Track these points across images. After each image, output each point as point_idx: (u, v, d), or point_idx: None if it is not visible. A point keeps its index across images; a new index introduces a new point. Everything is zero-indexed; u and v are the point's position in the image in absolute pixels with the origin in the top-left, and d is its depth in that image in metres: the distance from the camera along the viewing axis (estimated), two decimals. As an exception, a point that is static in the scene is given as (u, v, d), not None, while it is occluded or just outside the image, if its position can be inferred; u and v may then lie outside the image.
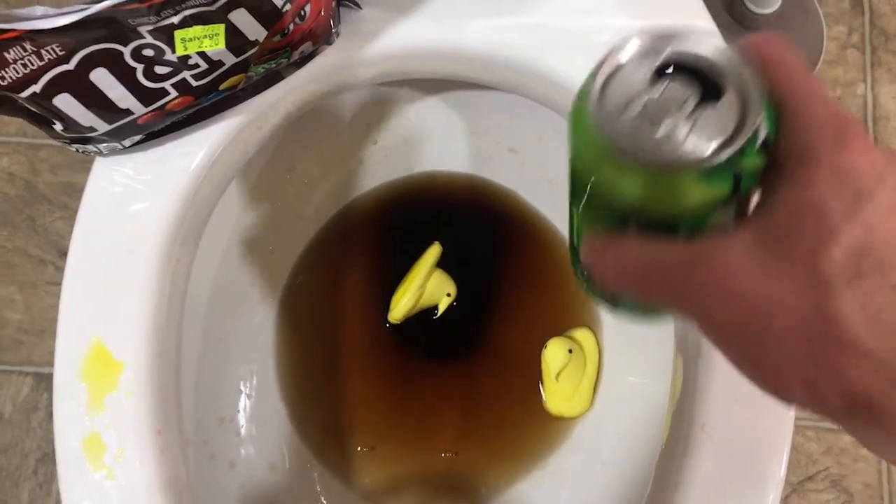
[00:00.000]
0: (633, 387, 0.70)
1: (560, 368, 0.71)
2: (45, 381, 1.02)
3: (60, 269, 1.02)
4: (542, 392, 0.74)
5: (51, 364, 1.00)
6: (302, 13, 0.50)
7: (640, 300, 0.30)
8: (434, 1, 0.58)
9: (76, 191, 1.06)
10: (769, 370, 0.25)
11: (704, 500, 0.50)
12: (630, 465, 0.58)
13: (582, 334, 0.74)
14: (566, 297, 0.76)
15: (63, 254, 1.03)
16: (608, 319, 0.75)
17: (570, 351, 0.71)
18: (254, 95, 0.55)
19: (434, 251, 0.73)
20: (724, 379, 0.51)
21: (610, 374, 0.73)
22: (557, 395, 0.72)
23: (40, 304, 1.04)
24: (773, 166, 0.26)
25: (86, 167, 1.08)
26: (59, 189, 1.07)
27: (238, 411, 0.69)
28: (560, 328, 0.75)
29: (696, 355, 0.52)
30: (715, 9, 1.02)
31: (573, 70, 0.56)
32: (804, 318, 0.24)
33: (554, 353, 0.72)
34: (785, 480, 0.97)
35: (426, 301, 0.74)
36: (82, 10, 0.43)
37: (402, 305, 0.72)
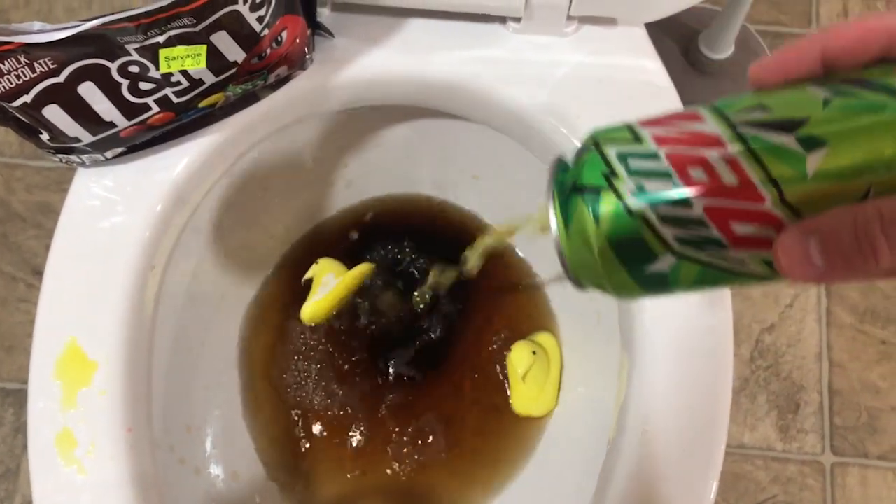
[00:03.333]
0: (588, 385, 0.73)
1: (526, 369, 0.74)
2: (10, 397, 1.02)
3: (32, 287, 1.04)
4: (509, 395, 0.76)
5: (17, 380, 1.01)
6: (279, 38, 0.54)
7: None
8: (403, 33, 0.62)
9: (51, 210, 1.08)
10: None
11: (644, 502, 0.53)
12: (590, 462, 0.61)
13: (544, 337, 0.77)
14: (526, 305, 0.79)
15: (35, 272, 1.05)
16: (565, 322, 0.78)
17: (534, 353, 0.75)
18: (231, 114, 0.59)
19: (363, 269, 0.74)
20: (665, 386, 0.54)
21: (568, 375, 0.76)
22: (524, 396, 0.75)
23: (10, 320, 1.05)
24: None
25: (61, 187, 1.11)
26: (34, 208, 1.09)
27: (205, 420, 0.71)
28: (523, 333, 0.78)
29: (642, 355, 0.55)
30: (671, 54, 1.07)
31: (531, 102, 0.60)
32: None
33: (519, 356, 0.75)
34: (734, 507, 1.01)
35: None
36: (75, 26, 0.46)
37: (313, 308, 0.73)
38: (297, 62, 0.58)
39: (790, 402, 1.06)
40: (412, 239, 0.81)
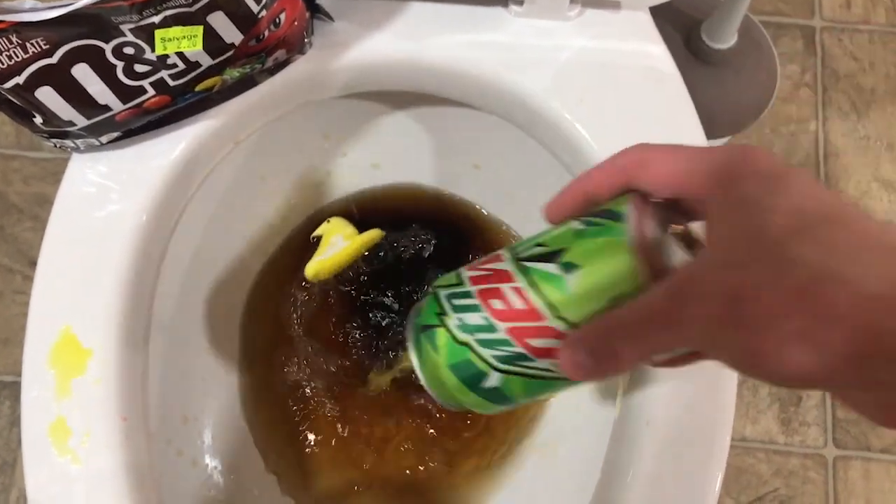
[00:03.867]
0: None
1: None
2: (6, 390, 1.02)
3: (28, 279, 1.03)
4: None
5: (13, 373, 1.00)
6: (277, 20, 0.53)
7: (646, 355, 0.32)
8: (404, 17, 0.61)
9: (47, 201, 1.07)
10: (766, 344, 0.26)
11: (647, 495, 0.52)
12: (594, 452, 0.60)
13: None
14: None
15: (32, 263, 1.04)
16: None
17: None
18: (228, 99, 0.58)
19: (372, 235, 0.74)
20: (669, 377, 0.53)
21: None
22: None
23: (6, 312, 1.04)
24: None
25: (57, 178, 1.09)
26: (31, 199, 1.08)
27: (202, 411, 0.71)
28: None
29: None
30: (673, 43, 1.06)
31: (533, 86, 0.59)
32: (774, 279, 0.26)
33: None
34: (736, 500, 1.00)
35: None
36: (68, 5, 0.45)
37: (318, 265, 0.73)
38: (295, 46, 0.57)
39: (792, 394, 1.05)
40: (412, 227, 0.80)
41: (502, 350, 0.34)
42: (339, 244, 0.72)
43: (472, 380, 0.35)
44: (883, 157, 1.15)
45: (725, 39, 1.05)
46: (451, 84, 0.62)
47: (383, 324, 0.77)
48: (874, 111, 1.17)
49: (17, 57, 0.46)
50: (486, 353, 0.34)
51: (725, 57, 1.06)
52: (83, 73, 0.49)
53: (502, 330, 0.34)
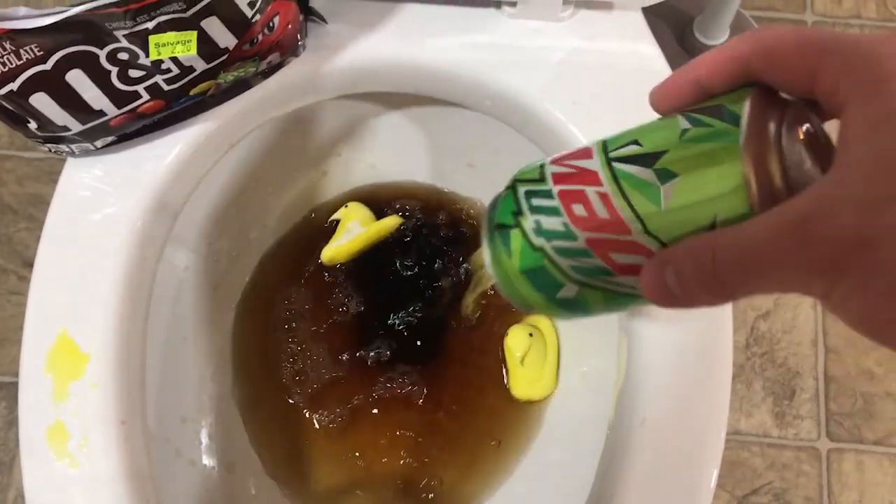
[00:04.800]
0: (587, 368, 0.73)
1: (524, 352, 0.74)
2: (3, 390, 1.02)
3: (23, 279, 1.03)
4: (507, 380, 0.76)
5: (9, 373, 1.01)
6: (270, 24, 0.53)
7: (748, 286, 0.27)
8: (397, 18, 0.61)
9: (42, 202, 1.07)
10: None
11: (643, 493, 0.52)
12: (591, 447, 0.61)
13: (540, 320, 0.77)
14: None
15: (27, 264, 1.04)
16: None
17: (531, 335, 0.74)
18: (223, 102, 0.58)
19: (389, 223, 0.75)
20: (663, 375, 0.54)
21: (566, 358, 0.76)
22: (523, 379, 0.75)
23: (1, 313, 1.04)
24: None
25: (52, 179, 1.09)
26: (25, 200, 1.08)
27: (199, 411, 0.71)
28: (519, 316, 0.78)
29: (640, 337, 0.55)
30: (666, 40, 1.06)
31: (526, 87, 0.59)
32: None
33: (516, 339, 0.75)
34: (731, 494, 1.01)
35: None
36: (62, 12, 0.45)
37: (334, 251, 0.75)
38: (289, 49, 0.58)
39: (786, 388, 1.06)
40: (408, 227, 0.80)
41: (581, 261, 0.30)
42: (355, 230, 0.73)
43: (547, 288, 0.32)
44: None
45: (718, 35, 1.05)
46: (444, 85, 0.63)
47: (384, 324, 0.78)
48: (866, 105, 1.17)
49: (11, 63, 0.46)
50: (563, 262, 0.31)
51: (718, 53, 1.06)
52: (77, 79, 0.49)
53: (582, 239, 0.30)
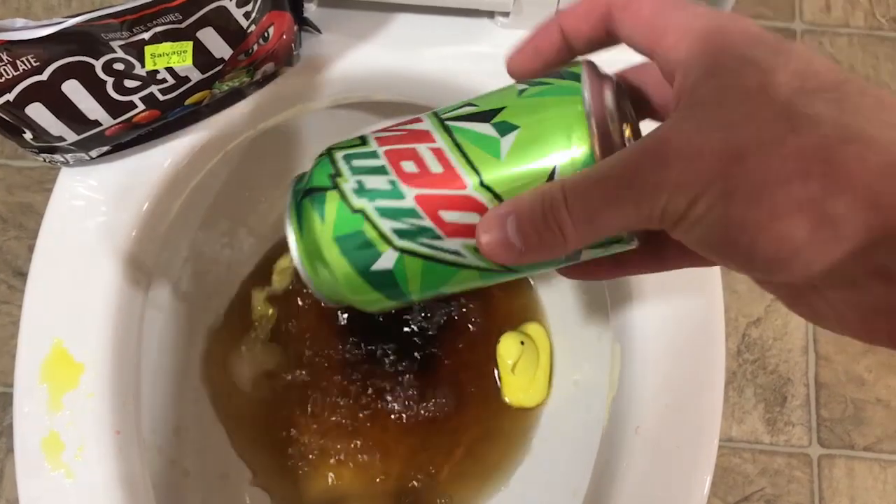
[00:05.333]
0: (580, 376, 0.73)
1: (515, 360, 0.74)
2: (-6, 400, 1.01)
3: (13, 288, 1.03)
4: (500, 387, 0.76)
5: (1, 383, 1.00)
6: (265, 35, 0.53)
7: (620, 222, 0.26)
8: (391, 28, 0.61)
9: (32, 211, 1.07)
10: (759, 213, 0.22)
11: (637, 501, 0.53)
12: (585, 455, 0.61)
13: (532, 328, 0.77)
14: (514, 296, 0.79)
15: (17, 273, 1.03)
16: (554, 313, 0.78)
17: (523, 343, 0.74)
18: (217, 112, 0.58)
19: None
20: (657, 382, 0.54)
21: (558, 365, 0.76)
22: (515, 387, 0.75)
23: (-8, 322, 1.04)
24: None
25: (43, 188, 1.09)
26: (16, 209, 1.08)
27: (192, 421, 0.71)
28: (511, 324, 0.78)
29: (633, 345, 0.55)
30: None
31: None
32: (776, 136, 0.22)
33: (507, 347, 0.75)
34: (723, 501, 1.01)
35: None
36: (58, 23, 0.45)
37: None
38: (283, 58, 0.58)
39: (777, 394, 1.06)
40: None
41: (405, 222, 0.28)
42: None
43: (361, 258, 0.29)
44: None
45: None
46: (437, 94, 0.63)
47: (369, 333, 0.78)
48: (854, 113, 1.18)
49: (8, 74, 0.47)
50: (385, 224, 0.29)
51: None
52: (73, 90, 0.49)
53: (410, 197, 0.28)
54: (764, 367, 1.07)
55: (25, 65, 0.46)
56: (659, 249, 0.30)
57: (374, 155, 0.29)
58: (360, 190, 0.29)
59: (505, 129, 0.28)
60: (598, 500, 0.55)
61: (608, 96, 0.27)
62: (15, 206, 1.08)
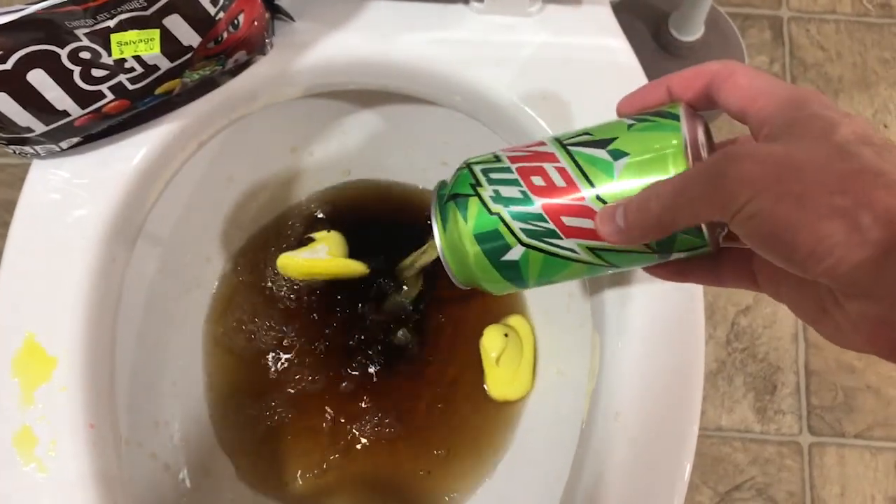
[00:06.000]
0: (564, 367, 0.73)
1: (499, 353, 0.73)
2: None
3: (-2, 286, 1.02)
4: (485, 379, 0.76)
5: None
6: (235, 22, 0.52)
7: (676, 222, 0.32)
8: (365, 15, 0.61)
9: (14, 208, 1.06)
10: (806, 215, 0.27)
11: (617, 487, 0.52)
12: (568, 446, 0.60)
13: (515, 320, 0.77)
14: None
15: (1, 271, 1.03)
16: (536, 305, 0.78)
17: (507, 335, 0.74)
18: (190, 101, 0.58)
19: (355, 268, 0.76)
20: (636, 369, 0.54)
21: (542, 357, 0.76)
22: (499, 380, 0.75)
23: (-23, 320, 1.03)
24: None
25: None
26: (-1, 206, 1.07)
27: (172, 415, 0.70)
28: (494, 318, 0.77)
29: (613, 336, 0.55)
30: (641, 36, 1.07)
31: (496, 83, 0.59)
32: (828, 161, 0.28)
33: (491, 339, 0.75)
34: (713, 490, 1.01)
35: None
36: (19, 10, 0.45)
37: (287, 260, 0.75)
38: (256, 47, 0.57)
39: (767, 383, 1.06)
40: (380, 225, 0.80)
41: (533, 224, 0.35)
42: (319, 253, 0.73)
43: (495, 251, 0.37)
44: None
45: (693, 32, 1.06)
46: (413, 82, 0.62)
47: (352, 326, 0.77)
48: (842, 100, 1.18)
49: (-30, 64, 0.46)
50: (517, 225, 0.36)
51: (693, 49, 1.07)
52: (39, 79, 0.48)
53: (538, 205, 0.35)
54: (754, 356, 1.07)
55: (-12, 54, 0.46)
56: (717, 266, 0.36)
57: (508, 170, 0.36)
58: (497, 197, 0.36)
59: (617, 155, 0.34)
60: (579, 485, 0.54)
61: (700, 133, 0.34)
62: (-2, 203, 1.08)
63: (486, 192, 0.36)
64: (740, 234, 0.29)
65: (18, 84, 0.48)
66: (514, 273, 0.37)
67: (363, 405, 0.75)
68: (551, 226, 0.35)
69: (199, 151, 0.62)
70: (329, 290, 0.77)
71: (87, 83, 0.50)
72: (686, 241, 0.34)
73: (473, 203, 0.37)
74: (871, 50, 1.21)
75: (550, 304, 0.75)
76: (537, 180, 0.35)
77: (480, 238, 0.37)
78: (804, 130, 0.29)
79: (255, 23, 0.55)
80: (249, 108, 0.62)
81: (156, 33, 0.49)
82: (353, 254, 0.77)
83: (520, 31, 0.61)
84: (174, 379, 0.71)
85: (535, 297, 0.78)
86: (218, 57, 0.54)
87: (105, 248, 0.56)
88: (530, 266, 0.37)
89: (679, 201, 0.31)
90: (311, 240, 0.77)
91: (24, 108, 0.50)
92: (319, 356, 0.76)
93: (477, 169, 0.37)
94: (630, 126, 0.35)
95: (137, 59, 0.50)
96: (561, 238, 0.35)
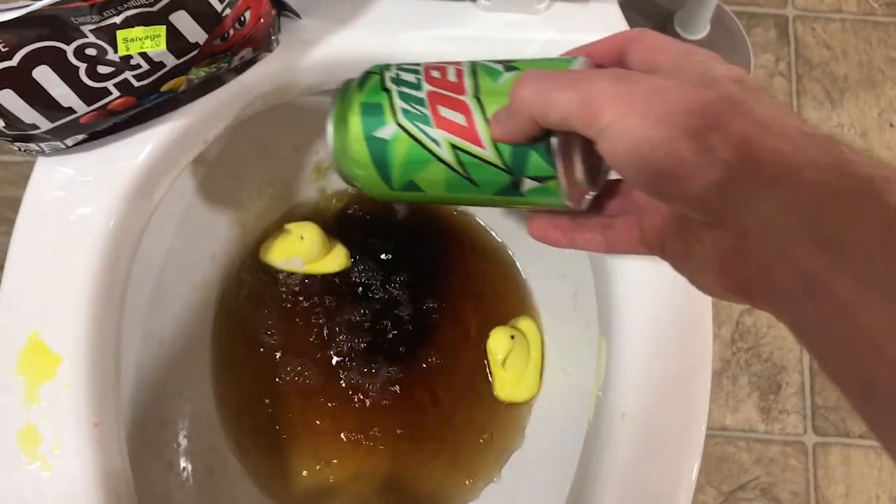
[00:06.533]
0: (570, 369, 0.72)
1: (505, 355, 0.73)
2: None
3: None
4: (492, 382, 0.75)
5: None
6: (242, 19, 0.52)
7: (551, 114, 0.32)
8: (372, 12, 0.60)
9: (18, 205, 1.06)
10: (673, 132, 0.28)
11: (622, 488, 0.52)
12: (575, 448, 0.60)
13: (523, 322, 0.76)
14: (504, 291, 0.78)
15: (3, 267, 1.02)
16: (543, 307, 0.77)
17: (513, 337, 0.74)
18: (195, 99, 0.57)
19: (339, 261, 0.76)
20: (642, 369, 0.53)
21: (549, 359, 0.76)
22: (505, 381, 0.75)
23: (-20, 318, 1.03)
24: None
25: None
26: (1, 204, 1.07)
27: (177, 414, 0.70)
28: (501, 319, 0.77)
29: (619, 338, 0.54)
30: (647, 35, 1.06)
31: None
32: (693, 88, 0.29)
33: (497, 341, 0.74)
34: (717, 490, 1.00)
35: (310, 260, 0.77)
36: (25, 6, 0.44)
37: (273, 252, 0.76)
38: (262, 44, 0.57)
39: (772, 383, 1.06)
40: (387, 226, 0.80)
41: (413, 107, 0.37)
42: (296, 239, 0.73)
43: (372, 123, 0.38)
44: (857, 144, 1.16)
45: (699, 30, 1.05)
46: (421, 80, 0.62)
47: (359, 326, 0.77)
48: (847, 99, 1.17)
49: (-24, 60, 0.46)
50: (399, 104, 0.37)
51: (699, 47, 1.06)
52: (45, 76, 0.48)
53: (424, 91, 0.37)
54: (758, 356, 1.07)
55: (-6, 50, 0.46)
56: (606, 229, 0.37)
57: (416, 65, 0.39)
58: (395, 79, 0.38)
59: (510, 68, 0.36)
60: (585, 485, 0.54)
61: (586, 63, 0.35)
62: (1, 200, 1.07)
63: (390, 72, 0.39)
64: (605, 152, 0.30)
65: (24, 81, 0.48)
66: (382, 155, 0.38)
67: (370, 405, 0.75)
68: (427, 111, 0.36)
69: (204, 149, 0.62)
70: (336, 290, 0.77)
71: (92, 80, 0.50)
72: (538, 164, 0.34)
73: (373, 79, 0.39)
74: (877, 49, 1.20)
75: (557, 305, 0.75)
76: (434, 73, 0.37)
77: (365, 108, 0.38)
78: (683, 71, 0.31)
79: (262, 20, 0.54)
80: (255, 106, 0.61)
81: (162, 30, 0.49)
82: (356, 255, 0.77)
83: (526, 29, 0.60)
84: (179, 377, 0.71)
85: (543, 300, 0.77)
86: (224, 54, 0.54)
87: (110, 246, 0.55)
88: (397, 148, 0.37)
89: (554, 97, 0.31)
90: (288, 231, 0.76)
91: (30, 104, 0.49)
92: (326, 356, 0.76)
93: (394, 63, 0.40)
94: (535, 61, 0.37)
95: (143, 55, 0.49)
96: (431, 126, 0.36)
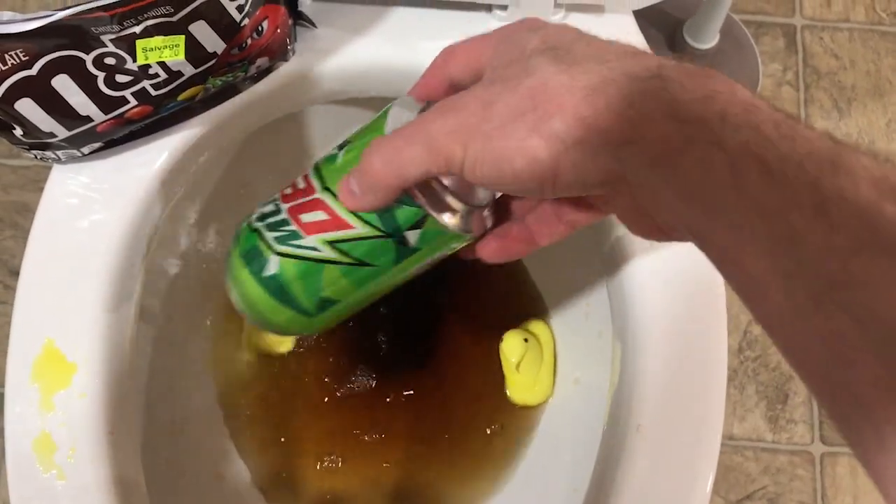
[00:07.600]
0: (584, 373, 0.72)
1: (519, 358, 0.73)
2: (-10, 401, 1.00)
3: (9, 288, 1.02)
4: (506, 385, 0.75)
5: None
6: (259, 28, 0.52)
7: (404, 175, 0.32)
8: (388, 21, 0.60)
9: (27, 210, 1.06)
10: (510, 141, 0.29)
11: (638, 500, 0.52)
12: (587, 453, 0.60)
13: (536, 325, 0.76)
14: (517, 293, 0.78)
15: (12, 272, 1.02)
16: (556, 310, 0.77)
17: (526, 340, 0.74)
18: (211, 108, 0.57)
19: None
20: (658, 380, 0.53)
21: (562, 363, 0.76)
22: (519, 384, 0.75)
23: (-13, 322, 1.03)
24: None
25: (38, 187, 1.08)
26: (10, 208, 1.07)
27: (188, 421, 0.70)
28: (515, 322, 0.77)
29: (634, 343, 0.54)
30: (656, 43, 1.06)
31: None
32: (517, 84, 0.29)
33: (511, 345, 0.74)
34: (725, 499, 1.00)
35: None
36: (47, 16, 0.44)
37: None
38: (278, 53, 0.57)
39: (779, 392, 1.05)
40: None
41: (280, 230, 0.37)
42: None
43: (258, 268, 0.37)
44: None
45: (708, 39, 1.05)
46: (435, 89, 0.62)
47: (373, 331, 0.77)
48: (855, 109, 1.17)
49: (-4, 69, 0.46)
50: (269, 235, 0.37)
51: (708, 56, 1.07)
52: (63, 85, 0.48)
53: (284, 210, 0.37)
54: (766, 365, 1.07)
55: (14, 59, 0.46)
56: (527, 227, 0.38)
57: (272, 196, 0.39)
58: (259, 217, 0.39)
59: (343, 145, 0.37)
60: (599, 497, 0.54)
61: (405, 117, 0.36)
62: (10, 205, 1.07)
63: (253, 217, 0.39)
64: (475, 182, 0.30)
65: (43, 89, 0.48)
66: (280, 290, 0.37)
67: (381, 409, 0.75)
68: (294, 226, 0.36)
69: (218, 157, 0.62)
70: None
71: (110, 89, 0.50)
72: (407, 212, 0.35)
73: (243, 230, 0.39)
74: (884, 58, 1.20)
75: (569, 311, 0.75)
76: (287, 191, 0.38)
77: (245, 257, 0.38)
78: (502, 60, 0.31)
79: (279, 29, 0.54)
80: (270, 115, 0.61)
81: (181, 39, 0.49)
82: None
83: (542, 39, 0.60)
84: (189, 384, 0.71)
85: (556, 302, 0.77)
86: (241, 63, 0.54)
87: (123, 254, 0.55)
88: (288, 275, 0.37)
89: (403, 158, 0.31)
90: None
91: (48, 113, 0.49)
92: (337, 360, 0.76)
93: (259, 203, 0.40)
94: (368, 126, 0.38)
95: (162, 64, 0.49)
96: (303, 237, 0.36)
